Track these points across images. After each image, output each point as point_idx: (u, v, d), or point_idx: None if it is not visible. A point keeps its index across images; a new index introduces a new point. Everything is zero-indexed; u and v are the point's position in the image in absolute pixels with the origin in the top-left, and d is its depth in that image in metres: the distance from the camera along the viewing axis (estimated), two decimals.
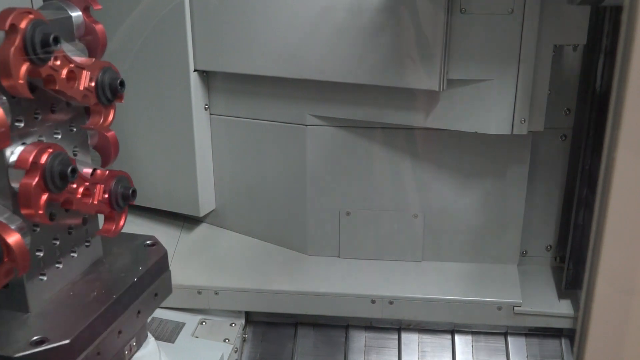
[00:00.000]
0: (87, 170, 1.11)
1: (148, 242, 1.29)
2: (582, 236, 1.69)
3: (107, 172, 1.13)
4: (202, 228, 2.02)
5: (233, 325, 1.77)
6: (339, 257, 1.89)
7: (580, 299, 0.67)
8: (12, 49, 0.91)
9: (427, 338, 1.78)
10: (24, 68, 0.93)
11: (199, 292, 1.78)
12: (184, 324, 1.75)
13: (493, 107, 1.54)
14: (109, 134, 1.17)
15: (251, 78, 1.76)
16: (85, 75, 1.06)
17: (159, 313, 1.76)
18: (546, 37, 1.48)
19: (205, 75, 1.82)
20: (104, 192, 1.10)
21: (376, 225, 1.84)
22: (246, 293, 1.78)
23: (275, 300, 1.77)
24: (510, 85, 1.52)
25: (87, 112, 1.14)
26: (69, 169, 1.00)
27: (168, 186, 1.93)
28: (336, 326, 1.83)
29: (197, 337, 1.72)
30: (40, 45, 0.94)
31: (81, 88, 1.05)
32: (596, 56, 1.57)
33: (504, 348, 1.74)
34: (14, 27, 0.91)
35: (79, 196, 1.07)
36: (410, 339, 1.78)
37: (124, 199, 1.14)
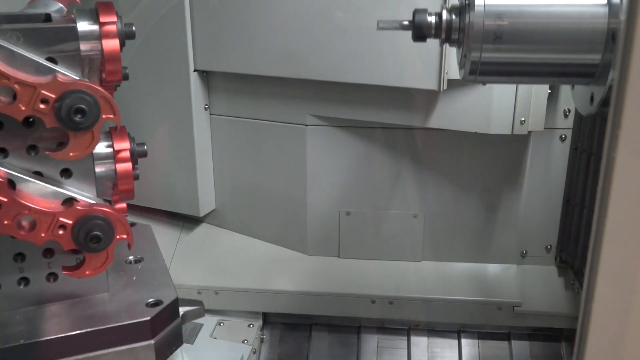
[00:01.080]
0: (54, 201, 0.99)
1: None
2: (581, 236, 1.68)
3: (86, 207, 1.00)
4: (202, 228, 2.02)
5: (251, 326, 1.77)
6: (339, 257, 1.89)
7: (580, 299, 0.67)
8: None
9: (437, 340, 1.77)
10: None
11: (199, 292, 1.79)
12: (202, 325, 1.75)
13: (493, 107, 1.54)
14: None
15: (251, 78, 1.76)
16: (34, 94, 0.92)
17: None
18: None
19: (205, 75, 1.82)
20: (59, 227, 0.98)
21: (376, 225, 1.83)
22: (246, 293, 1.78)
23: (275, 300, 1.77)
24: (510, 85, 1.52)
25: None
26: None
27: (168, 186, 1.93)
28: (349, 327, 1.83)
29: (215, 338, 1.72)
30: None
31: (23, 108, 0.92)
32: None
33: (508, 348, 1.74)
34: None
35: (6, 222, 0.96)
36: (419, 341, 1.78)
37: (93, 240, 1.01)
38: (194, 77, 1.78)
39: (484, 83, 1.33)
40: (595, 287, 0.55)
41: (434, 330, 1.79)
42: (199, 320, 1.75)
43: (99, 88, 0.95)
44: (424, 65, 1.51)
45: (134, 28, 1.01)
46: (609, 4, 0.91)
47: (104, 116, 0.96)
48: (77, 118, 0.93)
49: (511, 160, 1.72)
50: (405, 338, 1.78)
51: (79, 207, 0.98)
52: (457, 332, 1.78)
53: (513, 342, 1.75)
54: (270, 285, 1.78)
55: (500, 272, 1.80)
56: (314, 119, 1.76)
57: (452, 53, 1.51)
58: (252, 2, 1.65)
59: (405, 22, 1.01)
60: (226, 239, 1.98)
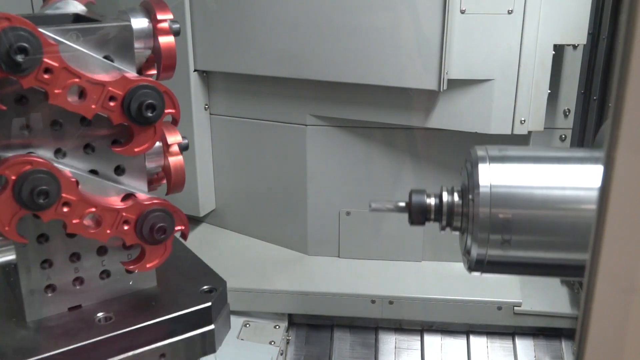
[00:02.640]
0: (114, 198, 1.00)
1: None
2: None
3: (146, 201, 1.01)
4: (202, 228, 2.02)
5: (277, 327, 1.78)
6: (339, 257, 1.89)
7: (580, 299, 0.67)
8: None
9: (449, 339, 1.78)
10: None
11: None
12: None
13: (493, 107, 1.54)
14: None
15: (251, 78, 1.76)
16: (103, 91, 0.93)
17: None
18: (546, 37, 1.49)
19: (205, 75, 1.82)
20: (124, 223, 0.99)
21: (376, 225, 1.83)
22: (246, 293, 1.78)
23: (275, 300, 1.77)
24: (510, 85, 1.52)
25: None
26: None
27: None
28: (367, 328, 1.82)
29: (242, 339, 1.72)
30: (4, 56, 0.85)
31: (93, 106, 0.92)
32: (596, 56, 1.58)
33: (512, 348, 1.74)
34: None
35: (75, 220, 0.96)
36: (433, 341, 1.78)
37: (159, 232, 1.02)
38: (194, 77, 1.78)
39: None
40: (595, 287, 0.54)
41: (446, 330, 1.79)
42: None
43: (160, 84, 0.98)
44: (424, 65, 1.51)
45: (178, 25, 1.05)
46: None
47: (166, 111, 0.97)
48: (149, 113, 0.94)
49: None
50: (419, 338, 1.78)
51: (140, 202, 0.99)
52: (465, 332, 1.78)
53: (516, 341, 1.75)
54: (271, 285, 1.78)
55: None
56: (314, 119, 1.76)
57: (452, 53, 1.51)
58: (252, 3, 1.65)
59: (401, 204, 0.89)
60: (226, 239, 1.98)
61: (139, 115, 0.94)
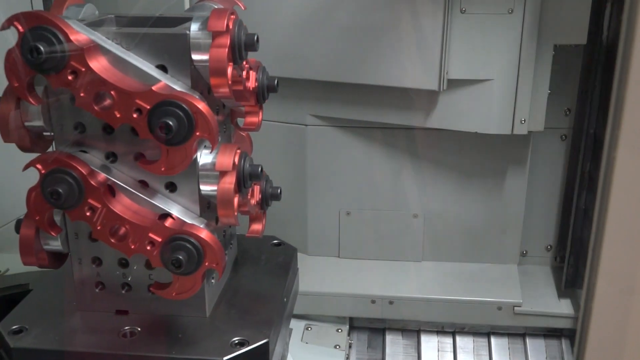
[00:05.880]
0: None
1: (275, 241, 1.29)
2: (582, 236, 1.68)
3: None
4: None
5: (340, 330, 1.77)
6: (339, 257, 1.89)
7: (580, 299, 0.67)
8: (226, 50, 0.89)
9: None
10: (230, 69, 0.90)
11: None
12: (291, 329, 1.74)
13: (493, 107, 1.54)
14: (246, 134, 1.15)
15: None
16: (252, 75, 1.00)
17: None
18: (546, 37, 1.48)
19: None
20: (259, 192, 1.07)
21: (376, 225, 1.83)
22: None
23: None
24: (510, 85, 1.51)
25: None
26: (259, 169, 0.98)
27: None
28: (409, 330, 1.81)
29: (307, 343, 1.71)
30: (245, 46, 0.91)
31: (251, 88, 0.99)
32: (596, 56, 1.57)
33: (523, 349, 1.74)
34: (228, 29, 0.90)
35: (249, 196, 1.03)
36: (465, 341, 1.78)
37: (273, 198, 1.12)
38: None
39: None
40: (595, 287, 0.54)
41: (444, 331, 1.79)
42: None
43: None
44: (424, 65, 1.51)
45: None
46: None
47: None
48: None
49: (511, 161, 1.72)
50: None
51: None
52: (465, 332, 1.78)
53: (516, 341, 1.75)
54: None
55: (500, 272, 1.80)
56: (314, 119, 1.76)
57: (452, 53, 1.51)
58: (252, 2, 1.65)
59: None
60: None
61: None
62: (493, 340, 1.76)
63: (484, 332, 1.77)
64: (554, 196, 1.78)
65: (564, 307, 1.70)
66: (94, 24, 0.94)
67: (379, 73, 1.56)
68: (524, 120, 1.53)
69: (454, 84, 1.54)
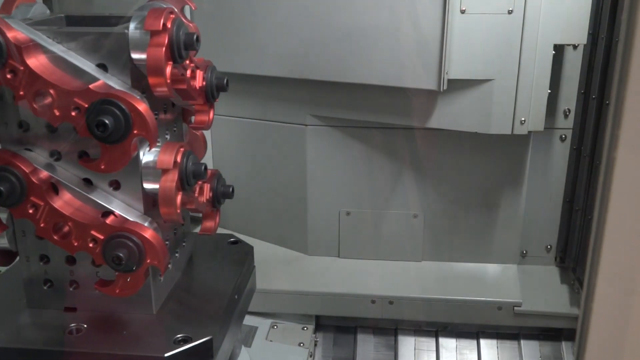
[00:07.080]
0: None
1: (231, 239, 1.27)
2: (581, 236, 1.69)
3: (209, 171, 1.07)
4: None
5: (305, 329, 1.77)
6: (339, 257, 1.89)
7: (580, 299, 0.67)
8: (163, 49, 0.87)
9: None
10: (169, 68, 0.89)
11: None
12: (256, 327, 1.73)
13: (493, 107, 1.54)
14: (200, 133, 1.16)
15: (251, 78, 1.76)
16: (199, 74, 1.01)
17: None
18: (546, 37, 1.48)
19: None
20: (210, 191, 1.07)
21: (376, 225, 1.83)
22: None
23: (276, 299, 1.77)
24: (510, 85, 1.52)
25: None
26: (202, 167, 0.98)
27: None
28: (387, 329, 1.82)
29: (271, 341, 1.71)
30: (184, 46, 0.90)
31: (197, 87, 1.00)
32: (596, 56, 1.57)
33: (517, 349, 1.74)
34: (165, 28, 0.88)
35: (196, 194, 1.03)
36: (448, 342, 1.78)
37: (224, 197, 1.11)
38: None
39: None
40: (595, 287, 0.54)
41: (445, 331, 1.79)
42: (253, 324, 1.75)
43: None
44: (424, 65, 1.51)
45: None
46: None
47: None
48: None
49: (511, 160, 1.72)
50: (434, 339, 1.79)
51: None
52: (465, 333, 1.78)
53: (515, 341, 1.75)
54: (271, 285, 1.78)
55: (500, 272, 1.80)
56: (314, 119, 1.76)
57: (452, 53, 1.51)
58: (253, 3, 1.65)
59: None
60: None
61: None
62: (493, 340, 1.76)
63: (484, 332, 1.77)
64: (553, 196, 1.78)
65: (564, 307, 1.70)
66: (39, 23, 0.94)
67: (379, 73, 1.56)
68: (524, 120, 1.54)
69: (454, 84, 1.54)
